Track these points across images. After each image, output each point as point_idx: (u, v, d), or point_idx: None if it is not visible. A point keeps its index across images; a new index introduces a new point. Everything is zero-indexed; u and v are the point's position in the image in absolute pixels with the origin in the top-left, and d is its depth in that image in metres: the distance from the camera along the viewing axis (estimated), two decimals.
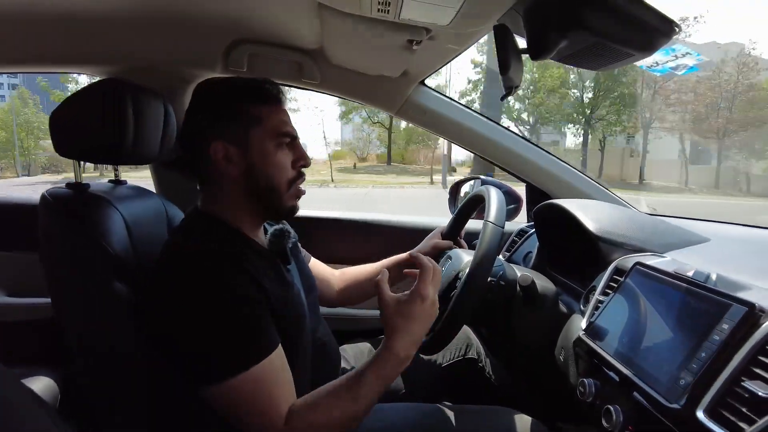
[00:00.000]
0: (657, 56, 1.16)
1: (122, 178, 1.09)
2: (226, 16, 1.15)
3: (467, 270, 0.92)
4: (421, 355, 0.99)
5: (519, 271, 1.04)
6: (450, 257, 1.11)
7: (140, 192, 1.08)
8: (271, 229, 0.96)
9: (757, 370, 0.57)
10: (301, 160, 0.92)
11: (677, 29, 0.76)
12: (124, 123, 0.89)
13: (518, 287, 1.01)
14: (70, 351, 0.87)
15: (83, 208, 0.88)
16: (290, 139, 0.91)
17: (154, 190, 1.38)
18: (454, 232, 1.31)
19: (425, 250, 1.26)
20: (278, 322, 0.81)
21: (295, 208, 0.93)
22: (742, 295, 0.65)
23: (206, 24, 1.18)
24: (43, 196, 0.88)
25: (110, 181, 1.08)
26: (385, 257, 1.31)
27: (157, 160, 1.03)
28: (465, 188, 1.65)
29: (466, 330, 1.35)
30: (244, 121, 0.87)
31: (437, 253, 1.25)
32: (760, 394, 0.53)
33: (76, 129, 0.90)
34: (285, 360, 0.80)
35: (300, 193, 0.93)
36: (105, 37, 1.20)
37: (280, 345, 0.79)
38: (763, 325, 0.59)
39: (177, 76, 1.37)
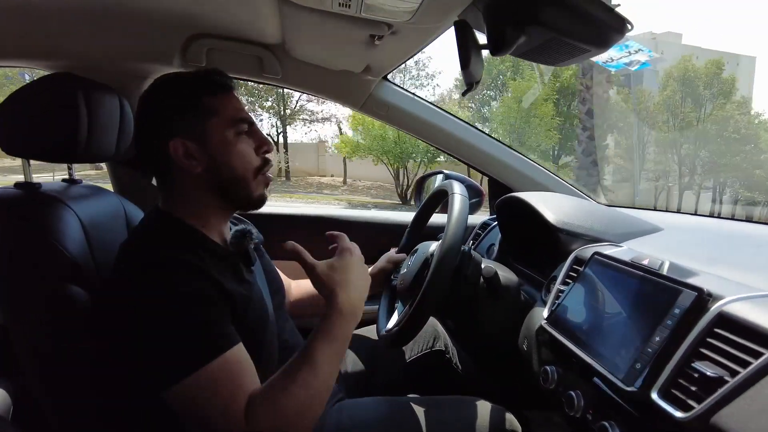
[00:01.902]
0: (612, 52, 1.20)
1: (77, 177, 1.05)
2: (183, 10, 1.12)
3: (438, 249, 0.92)
4: (392, 347, 0.99)
5: (482, 263, 1.06)
6: (416, 250, 1.12)
7: (97, 191, 1.04)
8: (233, 230, 0.94)
9: (706, 351, 0.60)
10: (264, 145, 0.90)
11: (630, 26, 0.79)
12: (76, 120, 0.85)
13: (482, 279, 1.03)
14: (23, 359, 0.83)
15: (35, 210, 0.84)
16: (248, 126, 0.89)
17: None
18: (409, 245, 1.29)
19: (381, 266, 1.25)
20: (240, 321, 0.80)
21: (264, 197, 0.91)
22: (692, 281, 0.68)
23: (163, 18, 1.15)
24: None
25: (64, 180, 1.03)
26: (363, 254, 1.30)
27: (114, 159, 0.99)
28: (429, 183, 1.67)
29: (433, 322, 1.36)
30: (200, 114, 0.84)
31: (394, 267, 1.24)
32: (708, 373, 0.56)
33: (25, 126, 0.86)
34: (246, 357, 0.77)
35: (268, 180, 0.92)
36: (55, 30, 1.15)
37: (240, 343, 0.77)
38: (711, 309, 0.62)
39: (133, 71, 1.33)
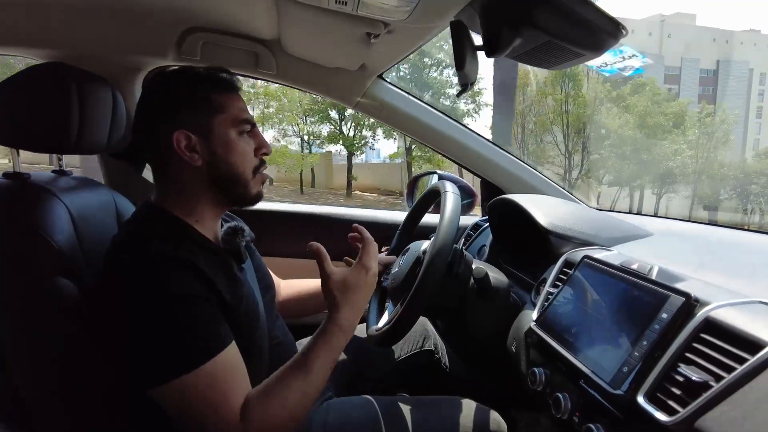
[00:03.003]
0: (606, 57, 1.20)
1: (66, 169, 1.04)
2: (179, 3, 1.11)
3: (431, 245, 0.92)
4: (383, 346, 0.99)
5: (473, 264, 1.06)
6: (407, 249, 1.12)
7: (87, 183, 1.03)
8: (224, 227, 0.94)
9: (692, 356, 0.60)
10: (263, 147, 0.92)
11: (624, 31, 0.79)
12: (68, 110, 0.84)
13: (472, 279, 1.03)
14: (9, 353, 0.82)
15: (23, 200, 0.83)
16: (250, 127, 0.90)
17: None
18: (400, 246, 1.28)
19: None
20: (231, 320, 0.80)
21: (261, 194, 0.93)
22: (680, 286, 0.68)
23: (159, 11, 1.14)
24: None
25: (54, 171, 1.02)
26: (350, 252, 1.30)
27: (106, 151, 0.98)
28: (422, 184, 1.67)
29: (423, 322, 1.36)
30: (207, 109, 0.85)
31: (384, 269, 1.23)
32: (693, 378, 0.57)
33: (14, 115, 0.84)
34: (239, 357, 0.78)
35: (264, 178, 0.93)
36: (50, 19, 1.14)
37: (233, 342, 0.78)
38: (698, 314, 0.63)
39: (127, 63, 1.32)
